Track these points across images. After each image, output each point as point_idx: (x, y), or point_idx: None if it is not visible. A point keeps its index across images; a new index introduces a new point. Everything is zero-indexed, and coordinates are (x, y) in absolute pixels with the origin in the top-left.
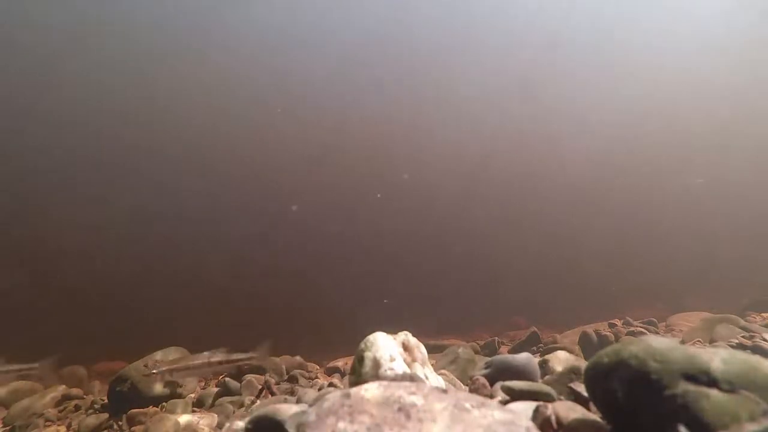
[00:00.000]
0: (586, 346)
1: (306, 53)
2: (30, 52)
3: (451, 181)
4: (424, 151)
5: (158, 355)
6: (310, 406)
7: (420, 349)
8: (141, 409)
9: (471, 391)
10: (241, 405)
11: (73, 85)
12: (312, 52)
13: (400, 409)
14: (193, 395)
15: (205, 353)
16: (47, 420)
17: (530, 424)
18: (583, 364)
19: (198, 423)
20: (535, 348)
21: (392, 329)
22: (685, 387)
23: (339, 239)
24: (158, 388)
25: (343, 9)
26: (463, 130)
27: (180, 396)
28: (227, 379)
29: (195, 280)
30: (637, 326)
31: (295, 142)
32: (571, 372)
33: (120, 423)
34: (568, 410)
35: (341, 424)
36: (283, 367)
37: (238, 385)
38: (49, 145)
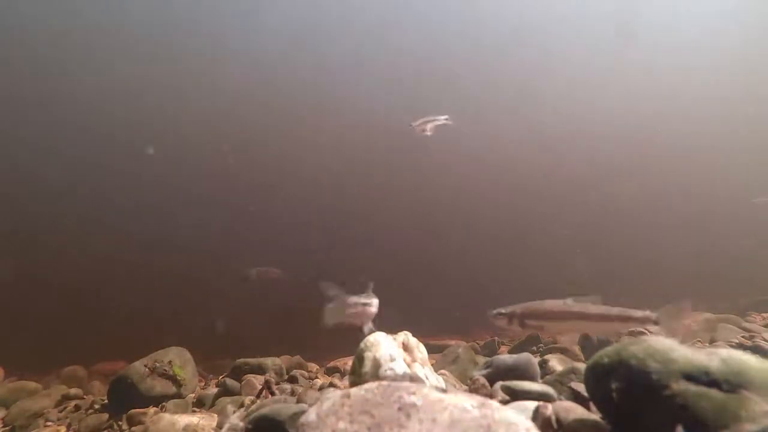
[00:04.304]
0: (586, 346)
1: None
2: (28, 52)
3: (450, 180)
4: (418, 149)
5: (159, 354)
6: (310, 406)
7: (420, 349)
8: (141, 409)
9: (471, 391)
10: (241, 405)
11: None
12: None
13: (400, 409)
14: (193, 395)
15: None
16: (47, 420)
17: (530, 424)
18: (583, 364)
19: (198, 423)
20: (535, 348)
21: (392, 329)
22: (685, 387)
23: (336, 237)
24: (159, 388)
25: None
26: (461, 129)
27: (180, 396)
28: (227, 379)
29: (195, 280)
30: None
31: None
32: (571, 372)
33: (120, 423)
34: (568, 410)
35: (341, 424)
36: (283, 367)
37: (238, 385)
38: (50, 145)
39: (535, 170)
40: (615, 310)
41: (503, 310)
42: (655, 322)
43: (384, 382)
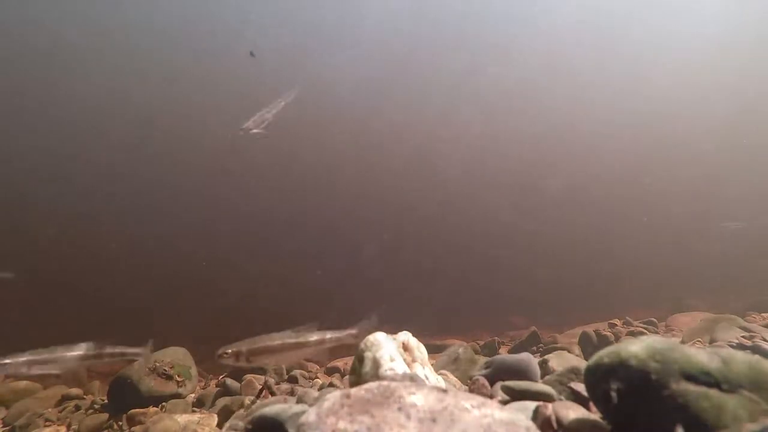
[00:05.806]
0: (586, 346)
1: None
2: (35, 52)
3: (451, 179)
4: (424, 149)
5: (159, 354)
6: (310, 406)
7: (420, 349)
8: (141, 409)
9: (471, 391)
10: (241, 405)
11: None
12: None
13: (400, 409)
14: (193, 395)
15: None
16: (47, 420)
17: (530, 424)
18: (583, 364)
19: (198, 423)
20: (535, 348)
21: (392, 329)
22: (685, 387)
23: (337, 239)
24: (159, 388)
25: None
26: (462, 126)
27: (180, 396)
28: (227, 379)
29: (196, 279)
30: (637, 326)
31: None
32: (571, 372)
33: (120, 423)
34: (568, 410)
35: (341, 424)
36: (283, 367)
37: (238, 385)
38: (51, 145)
39: (540, 171)
40: (328, 334)
41: (229, 350)
42: (356, 336)
43: (384, 382)
